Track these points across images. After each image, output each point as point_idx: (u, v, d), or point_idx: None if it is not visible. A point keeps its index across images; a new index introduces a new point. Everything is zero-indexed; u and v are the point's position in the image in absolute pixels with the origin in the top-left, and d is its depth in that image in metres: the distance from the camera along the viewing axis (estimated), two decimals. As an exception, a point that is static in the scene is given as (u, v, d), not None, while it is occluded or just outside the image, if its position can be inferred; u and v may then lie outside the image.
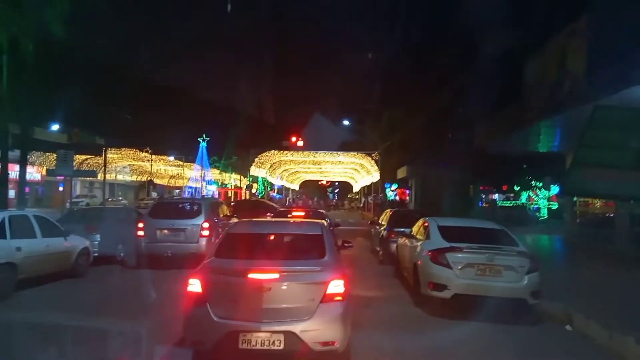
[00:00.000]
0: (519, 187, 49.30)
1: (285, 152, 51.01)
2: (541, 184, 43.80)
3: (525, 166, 41.63)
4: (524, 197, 49.23)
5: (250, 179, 54.15)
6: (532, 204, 47.20)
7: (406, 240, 10.30)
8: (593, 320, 7.07)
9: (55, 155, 18.51)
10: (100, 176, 26.84)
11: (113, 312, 7.47)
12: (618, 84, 9.44)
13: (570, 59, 11.71)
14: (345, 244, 7.81)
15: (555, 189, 37.39)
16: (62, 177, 20.15)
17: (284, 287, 4.93)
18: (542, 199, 45.13)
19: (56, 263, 9.69)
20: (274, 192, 66.65)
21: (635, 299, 8.59)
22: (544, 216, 40.53)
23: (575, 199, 20.51)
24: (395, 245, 11.87)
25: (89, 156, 43.15)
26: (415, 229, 10.09)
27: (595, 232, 18.30)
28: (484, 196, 46.36)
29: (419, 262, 8.46)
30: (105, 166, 24.02)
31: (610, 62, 9.69)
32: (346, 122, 43.39)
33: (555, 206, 41.60)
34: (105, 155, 22.80)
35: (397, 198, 50.15)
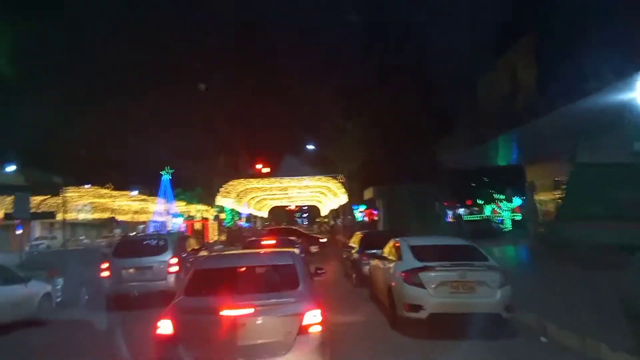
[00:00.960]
0: (482, 201, 50.37)
1: (251, 179, 50.74)
2: (503, 197, 44.86)
3: (486, 180, 42.64)
4: (487, 210, 50.27)
5: (217, 209, 53.39)
6: (496, 216, 48.22)
7: (378, 262, 10.28)
8: (566, 329, 7.19)
9: (11, 197, 17.78)
10: (59, 217, 25.93)
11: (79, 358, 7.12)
12: (571, 96, 9.84)
13: (521, 73, 12.17)
14: (318, 271, 7.72)
15: (517, 201, 38.33)
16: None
17: (258, 322, 4.81)
18: (505, 211, 46.15)
19: (17, 311, 9.23)
20: (242, 220, 65.86)
21: (602, 301, 8.78)
22: (508, 227, 41.40)
23: (539, 206, 21.14)
24: (368, 267, 11.84)
25: (46, 196, 41.72)
26: (386, 250, 10.09)
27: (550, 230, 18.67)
28: (449, 212, 47.12)
29: (393, 284, 8.44)
30: (64, 206, 23.16)
31: (562, 74, 10.10)
32: (310, 147, 43.57)
33: (518, 217, 42.64)
34: (63, 196, 22.03)
35: (366, 219, 50.36)
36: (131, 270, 11.56)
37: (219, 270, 5.96)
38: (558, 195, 19.19)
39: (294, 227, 34.68)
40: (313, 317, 4.88)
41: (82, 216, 51.98)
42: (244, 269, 6.08)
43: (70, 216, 47.62)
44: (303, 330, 4.80)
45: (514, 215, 43.72)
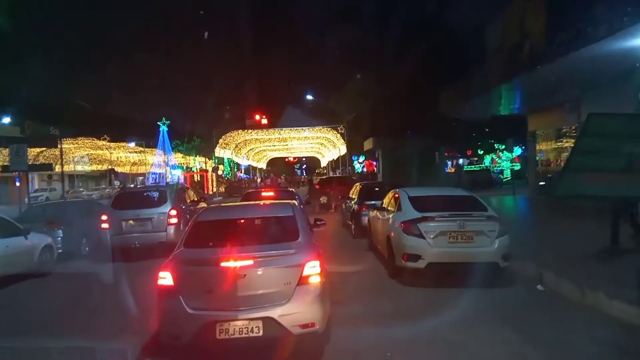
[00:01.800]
0: (482, 151, 50.28)
1: (250, 130, 50.38)
2: (503, 147, 44.76)
3: (487, 130, 42.36)
4: (487, 160, 50.27)
5: (216, 161, 53.31)
6: (495, 166, 48.28)
7: (377, 213, 10.30)
8: (563, 277, 7.26)
9: (7, 150, 17.57)
10: (57, 168, 25.82)
11: (82, 311, 7.22)
12: (576, 44, 9.54)
13: (529, 21, 11.78)
14: (318, 222, 7.71)
15: (517, 151, 38.29)
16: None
17: (258, 273, 4.80)
18: (504, 161, 46.16)
19: (18, 263, 9.26)
20: (241, 172, 65.98)
21: (597, 250, 8.85)
22: (507, 178, 41.55)
23: (537, 158, 21.08)
24: (367, 218, 11.89)
25: (44, 148, 41.49)
26: (386, 201, 10.08)
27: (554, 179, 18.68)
28: (449, 162, 47.13)
29: (391, 234, 8.46)
30: (62, 157, 23.00)
31: (568, 23, 9.76)
32: (309, 97, 42.99)
33: (517, 167, 42.69)
34: (61, 147, 21.83)
35: (365, 170, 50.40)
36: (131, 222, 11.58)
37: (218, 222, 5.93)
38: (561, 145, 19.10)
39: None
40: (312, 268, 4.87)
41: (79, 168, 51.95)
42: (243, 220, 6.05)
43: (69, 168, 47.62)
44: (303, 281, 4.81)
45: (513, 165, 43.78)
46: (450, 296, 7.14)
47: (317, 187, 24.96)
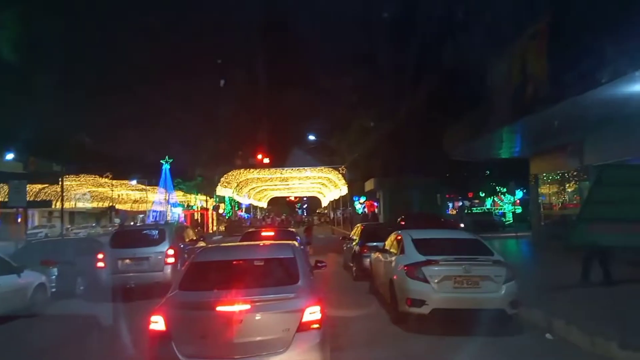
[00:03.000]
0: (483, 194, 50.12)
1: (252, 170, 50.50)
2: (505, 190, 44.61)
3: (488, 172, 42.39)
4: (488, 203, 50.06)
5: (217, 200, 53.21)
6: (497, 209, 48.01)
7: (380, 255, 10.07)
8: (573, 325, 6.98)
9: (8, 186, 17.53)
10: (57, 205, 25.74)
11: (71, 355, 6.91)
12: (580, 87, 9.57)
13: (532, 61, 11.88)
14: (319, 264, 7.51)
15: (519, 194, 38.13)
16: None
17: (256, 319, 4.58)
18: (507, 203, 45.95)
19: (10, 302, 8.99)
20: (241, 211, 65.77)
21: (609, 297, 8.60)
22: (509, 221, 41.23)
23: (540, 200, 20.92)
24: (368, 260, 11.64)
25: (45, 185, 41.57)
26: (388, 242, 9.88)
27: (560, 232, 18.54)
28: (450, 204, 46.94)
29: (394, 278, 8.22)
30: (62, 194, 22.96)
31: (572, 65, 9.82)
32: (311, 137, 43.29)
33: (519, 210, 42.43)
34: (62, 183, 21.81)
35: (366, 211, 50.16)
36: (127, 261, 11.35)
37: (215, 263, 5.73)
38: (563, 188, 18.98)
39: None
40: (312, 314, 4.66)
41: (80, 205, 51.85)
42: (241, 262, 5.84)
43: (69, 205, 47.54)
44: (302, 327, 4.59)
45: (515, 208, 43.55)
46: (456, 344, 6.85)
47: (402, 223, 22.58)
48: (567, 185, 18.69)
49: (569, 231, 8.93)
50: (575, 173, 17.45)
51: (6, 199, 20.04)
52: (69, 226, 44.67)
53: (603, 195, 6.17)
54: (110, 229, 42.41)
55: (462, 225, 28.11)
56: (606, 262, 9.80)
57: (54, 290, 10.66)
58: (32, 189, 37.75)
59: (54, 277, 11.01)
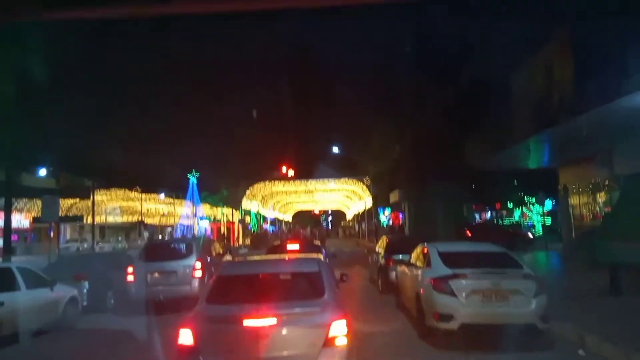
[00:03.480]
0: (511, 204, 49.20)
1: (277, 182, 50.83)
2: (534, 200, 43.71)
3: (516, 182, 41.64)
4: (517, 214, 49.10)
5: (243, 213, 53.65)
6: (525, 220, 47.02)
7: (405, 268, 9.98)
8: (607, 341, 6.78)
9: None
10: (88, 220, 26.38)
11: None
12: (608, 96, 9.39)
13: (557, 70, 11.71)
14: (344, 278, 7.51)
15: (548, 204, 37.35)
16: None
17: (282, 333, 4.61)
18: (535, 214, 44.99)
19: (43, 315, 9.23)
20: (266, 224, 66.10)
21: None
22: (539, 232, 40.30)
23: (570, 211, 20.46)
24: (394, 273, 11.54)
25: (77, 199, 42.62)
26: (414, 255, 9.79)
27: (591, 244, 18.11)
28: (477, 215, 46.23)
29: (421, 291, 8.13)
30: (93, 209, 23.54)
31: (599, 74, 9.66)
32: (335, 149, 43.33)
33: (549, 221, 41.45)
34: (93, 198, 22.37)
35: (391, 222, 49.80)
36: (156, 275, 11.54)
37: (242, 277, 5.78)
38: (593, 199, 18.52)
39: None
40: (339, 329, 4.65)
41: (110, 219, 52.96)
42: (268, 275, 5.88)
43: (100, 219, 48.61)
44: (329, 342, 4.59)
45: (544, 219, 42.57)
46: (485, 360, 6.72)
47: (468, 234, 22.87)
48: (598, 195, 18.24)
49: (592, 249, 8.74)
50: (606, 183, 17.03)
51: (39, 214, 20.66)
52: (98, 241, 45.62)
53: (625, 211, 6.07)
54: (139, 242, 43.18)
55: (530, 235, 27.51)
56: (617, 275, 9.79)
57: (85, 304, 10.89)
58: (64, 203, 38.78)
59: (85, 290, 11.25)
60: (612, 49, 9.05)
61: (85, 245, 42.28)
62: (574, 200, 20.27)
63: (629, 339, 6.73)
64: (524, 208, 47.49)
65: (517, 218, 47.38)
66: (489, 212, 49.33)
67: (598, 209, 18.29)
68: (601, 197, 18.03)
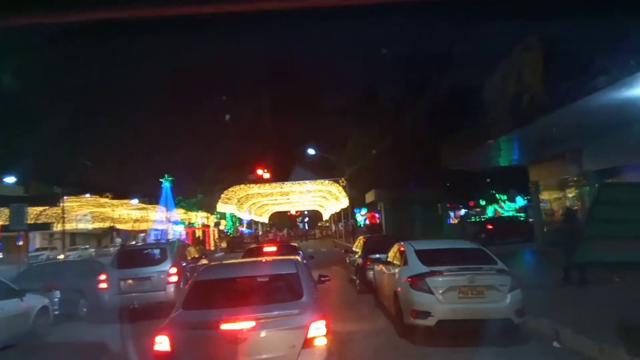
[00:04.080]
0: (484, 202, 50.07)
1: (252, 185, 50.51)
2: (505, 197, 44.63)
3: (488, 180, 42.38)
4: (490, 211, 49.97)
5: (218, 216, 53.12)
6: (498, 217, 47.85)
7: (383, 267, 10.03)
8: (580, 334, 6.93)
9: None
10: (58, 227, 25.71)
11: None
12: (576, 94, 9.63)
13: (527, 72, 11.97)
14: (322, 278, 7.49)
15: (520, 201, 38.15)
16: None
17: (261, 336, 4.56)
18: (508, 211, 45.89)
19: (12, 327, 8.92)
20: (243, 227, 65.62)
21: (614, 305, 8.53)
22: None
23: (541, 207, 20.90)
24: (372, 272, 11.59)
25: (46, 207, 41.52)
26: (391, 254, 9.84)
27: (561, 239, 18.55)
28: (452, 213, 46.85)
29: (398, 290, 8.18)
30: (63, 216, 22.95)
31: (567, 73, 9.89)
32: (311, 151, 43.33)
33: (522, 217, 42.34)
34: (62, 205, 21.82)
35: (368, 222, 50.08)
36: (130, 281, 11.29)
37: (218, 281, 5.71)
38: (564, 195, 18.96)
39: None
40: (318, 330, 4.63)
41: (81, 226, 51.74)
42: (245, 279, 5.82)
43: (70, 226, 47.44)
44: (308, 344, 4.56)
45: (517, 216, 43.43)
46: (464, 356, 6.80)
47: (489, 227, 23.65)
48: (568, 190, 18.68)
49: (572, 250, 9.01)
50: (575, 179, 17.45)
51: (7, 223, 20.04)
52: (63, 248, 44.49)
53: (604, 214, 6.30)
54: (111, 249, 42.31)
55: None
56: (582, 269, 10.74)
57: (56, 313, 10.60)
58: (33, 211, 37.70)
59: (56, 299, 10.96)
60: (580, 48, 9.29)
61: (55, 254, 41.16)
62: (545, 196, 20.72)
63: (600, 329, 6.87)
64: (496, 205, 48.40)
65: (490, 214, 48.25)
66: (463, 210, 50.09)
67: (568, 204, 18.75)
68: (571, 193, 18.48)
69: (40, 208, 41.64)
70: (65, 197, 31.97)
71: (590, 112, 10.95)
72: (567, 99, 9.97)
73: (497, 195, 46.68)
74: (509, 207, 45.73)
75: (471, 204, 50.22)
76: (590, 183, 15.54)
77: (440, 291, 7.39)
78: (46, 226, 25.01)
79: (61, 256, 37.13)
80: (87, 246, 51.69)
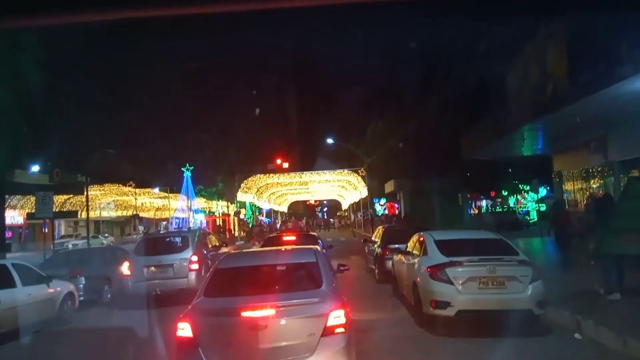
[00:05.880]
0: (506, 192, 49.48)
1: (271, 174, 50.76)
2: (528, 187, 43.99)
3: (510, 170, 41.84)
4: (511, 201, 49.40)
5: (238, 205, 53.58)
6: (520, 207, 47.32)
7: (402, 257, 10.01)
8: (602, 326, 6.84)
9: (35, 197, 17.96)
10: (83, 215, 26.23)
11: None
12: (601, 83, 9.40)
13: (551, 61, 11.73)
14: (342, 268, 7.52)
15: (543, 191, 37.58)
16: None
17: (281, 324, 4.61)
18: (530, 202, 45.28)
19: (39, 312, 9.18)
20: (262, 216, 66.08)
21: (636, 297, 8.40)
22: (533, 219, 40.58)
23: (565, 197, 20.55)
24: (390, 262, 11.59)
25: (71, 195, 42.34)
26: (410, 244, 9.81)
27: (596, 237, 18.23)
28: (472, 203, 46.47)
29: (418, 280, 8.17)
30: (87, 204, 23.42)
31: (592, 62, 9.66)
32: (330, 140, 43.29)
33: (544, 208, 41.73)
34: (87, 194, 22.27)
35: (387, 212, 49.96)
36: (152, 268, 11.50)
37: (239, 269, 5.77)
38: (587, 185, 18.60)
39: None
40: (337, 318, 4.66)
41: (105, 214, 52.73)
42: (265, 267, 5.88)
43: (94, 214, 48.40)
44: (327, 332, 4.59)
45: (539, 206, 42.86)
46: (483, 347, 6.76)
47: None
48: (592, 181, 18.33)
49: (597, 243, 8.84)
50: (599, 169, 17.12)
51: (33, 211, 20.54)
52: (77, 235, 45.19)
53: (630, 208, 6.24)
54: (134, 237, 43.04)
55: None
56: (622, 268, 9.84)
57: (82, 299, 10.87)
58: (58, 199, 38.57)
59: (81, 286, 11.23)
60: (605, 36, 9.05)
61: (75, 242, 41.87)
62: (568, 186, 20.37)
63: (621, 321, 6.78)
64: (518, 196, 47.76)
65: (512, 205, 47.71)
66: (484, 201, 49.62)
67: (592, 192, 18.41)
68: (595, 183, 18.13)
69: (65, 196, 42.55)
70: (89, 186, 32.56)
71: (616, 102, 10.70)
72: (592, 88, 9.75)
73: (519, 185, 46.08)
74: (531, 197, 45.09)
75: (492, 194, 49.67)
76: (615, 173, 15.22)
77: (460, 281, 7.35)
78: (72, 214, 25.51)
79: (76, 244, 37.68)
80: (106, 234, 52.71)
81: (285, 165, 52.16)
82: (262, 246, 11.84)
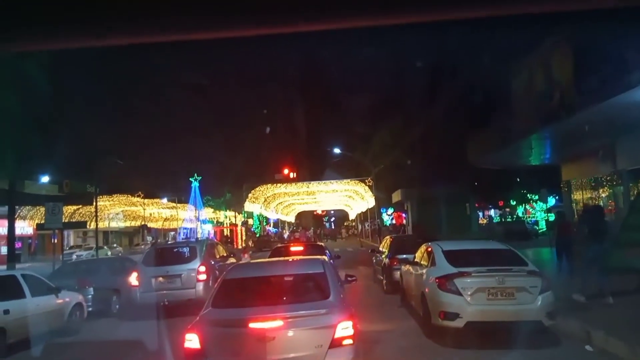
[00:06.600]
0: (514, 202, 49.21)
1: (279, 184, 50.85)
2: (537, 197, 43.72)
3: (518, 180, 41.62)
4: (520, 211, 49.08)
5: (245, 215, 53.64)
6: (529, 217, 46.99)
7: (410, 268, 9.97)
8: (613, 337, 6.76)
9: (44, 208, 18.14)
10: (92, 225, 26.40)
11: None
12: (609, 91, 9.38)
13: (558, 69, 11.72)
14: (349, 278, 7.50)
15: (552, 201, 37.38)
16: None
17: (289, 335, 4.60)
18: (539, 211, 44.98)
19: (48, 322, 9.21)
20: (269, 226, 66.08)
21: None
22: (542, 229, 40.29)
23: (574, 207, 20.39)
24: (398, 273, 11.53)
25: (80, 206, 42.67)
26: (418, 255, 9.77)
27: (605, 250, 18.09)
28: (480, 213, 46.23)
29: (426, 290, 8.12)
30: (96, 215, 23.58)
31: (599, 70, 9.65)
32: (337, 150, 43.33)
33: (552, 218, 41.47)
34: (96, 204, 22.42)
35: (394, 222, 49.81)
36: (160, 279, 11.52)
37: (247, 280, 5.78)
38: (597, 194, 18.47)
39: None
40: (345, 330, 4.64)
41: (114, 224, 52.97)
42: (272, 278, 5.88)
43: (103, 224, 48.65)
44: (335, 343, 4.58)
45: (548, 216, 42.58)
46: (493, 358, 6.70)
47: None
48: (601, 190, 18.20)
49: (605, 256, 8.77)
50: (608, 178, 17.00)
51: (43, 221, 20.69)
52: (82, 246, 45.32)
53: (638, 222, 6.25)
54: (143, 247, 43.15)
55: None
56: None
57: (90, 310, 10.90)
58: (67, 210, 38.87)
59: (90, 296, 11.26)
60: (613, 44, 9.04)
61: (83, 253, 41.98)
62: (577, 195, 20.23)
63: (633, 331, 6.69)
64: (526, 205, 47.47)
65: (520, 214, 47.40)
66: (492, 210, 49.35)
67: (602, 204, 18.27)
68: (604, 192, 18.00)
69: (74, 207, 42.86)
70: (98, 196, 32.81)
71: (624, 110, 10.66)
72: (600, 97, 9.73)
73: (528, 195, 45.82)
74: (540, 207, 44.80)
75: (500, 203, 49.41)
76: (624, 182, 15.11)
77: (469, 292, 7.29)
78: (81, 224, 25.65)
79: (80, 254, 37.70)
80: (115, 245, 52.91)
81: (293, 175, 52.30)
82: (270, 256, 11.83)
